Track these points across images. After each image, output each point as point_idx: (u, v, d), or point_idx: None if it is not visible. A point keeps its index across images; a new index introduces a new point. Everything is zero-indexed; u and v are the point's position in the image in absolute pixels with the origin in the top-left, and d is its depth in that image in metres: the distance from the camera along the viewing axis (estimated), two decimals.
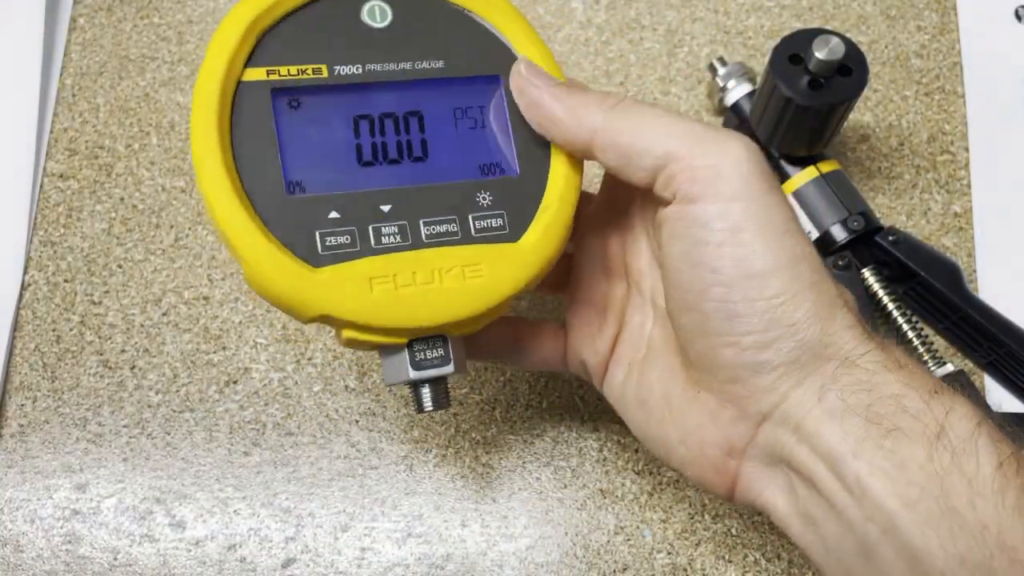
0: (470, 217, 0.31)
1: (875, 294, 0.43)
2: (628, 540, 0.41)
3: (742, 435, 0.28)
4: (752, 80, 0.46)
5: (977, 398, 0.41)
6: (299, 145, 0.29)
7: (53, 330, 0.45)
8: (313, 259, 0.29)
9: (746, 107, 0.45)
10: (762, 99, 0.42)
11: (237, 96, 0.29)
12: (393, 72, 0.30)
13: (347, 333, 0.30)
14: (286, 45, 0.30)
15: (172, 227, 0.47)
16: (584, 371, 0.35)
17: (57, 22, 0.52)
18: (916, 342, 0.42)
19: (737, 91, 0.45)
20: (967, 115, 0.49)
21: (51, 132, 0.49)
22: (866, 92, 0.49)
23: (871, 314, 0.42)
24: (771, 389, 0.27)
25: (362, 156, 0.30)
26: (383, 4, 0.31)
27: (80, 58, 0.51)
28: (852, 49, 0.40)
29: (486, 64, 0.31)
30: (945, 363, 0.42)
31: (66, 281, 0.46)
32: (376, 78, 0.30)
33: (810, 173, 0.43)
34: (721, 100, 0.46)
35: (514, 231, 0.31)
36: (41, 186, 0.48)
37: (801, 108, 0.40)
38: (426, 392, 0.32)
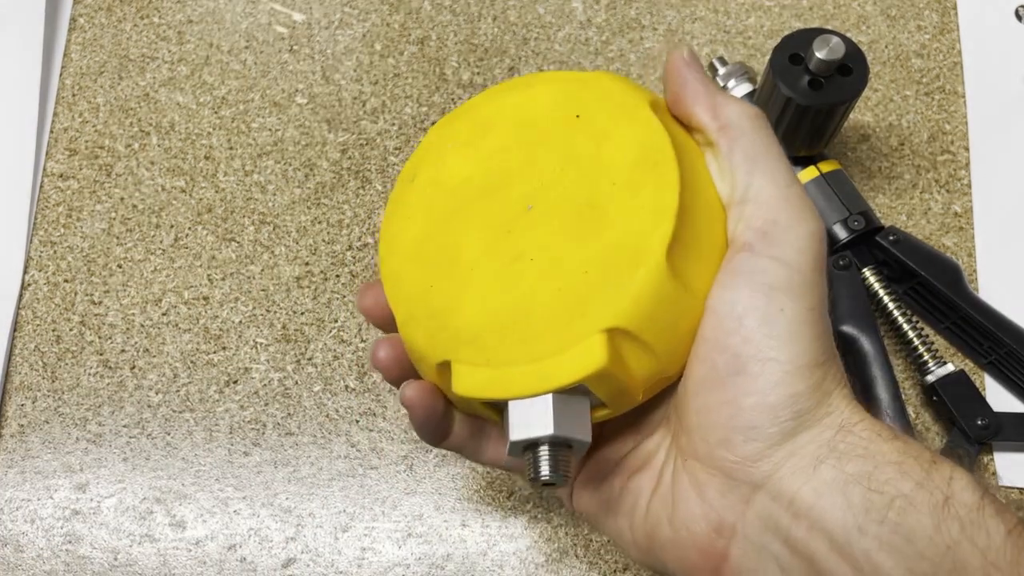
0: None
1: (875, 294, 0.43)
2: None
3: (732, 508, 0.27)
4: (752, 80, 0.46)
5: (978, 397, 0.41)
6: None
7: (53, 330, 0.45)
8: None
9: None
10: (762, 99, 0.42)
11: None
12: None
13: None
14: None
15: (172, 227, 0.47)
16: None
17: (57, 22, 0.51)
18: (916, 342, 0.42)
19: (737, 91, 0.45)
20: (967, 115, 0.49)
21: (51, 132, 0.49)
22: (866, 92, 0.49)
23: (871, 314, 0.42)
24: (762, 457, 0.26)
25: None
26: None
27: (80, 58, 0.51)
28: (852, 49, 0.40)
29: None
30: (945, 363, 0.42)
31: (66, 281, 0.46)
32: None
33: (810, 173, 0.43)
34: None
35: None
36: (41, 186, 0.48)
37: (801, 108, 0.40)
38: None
